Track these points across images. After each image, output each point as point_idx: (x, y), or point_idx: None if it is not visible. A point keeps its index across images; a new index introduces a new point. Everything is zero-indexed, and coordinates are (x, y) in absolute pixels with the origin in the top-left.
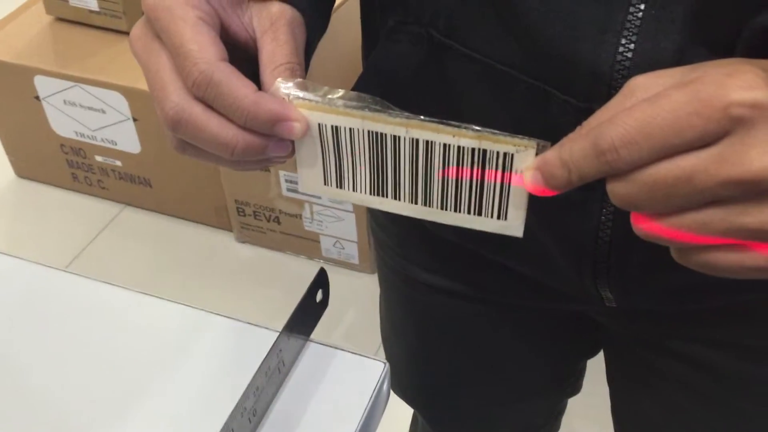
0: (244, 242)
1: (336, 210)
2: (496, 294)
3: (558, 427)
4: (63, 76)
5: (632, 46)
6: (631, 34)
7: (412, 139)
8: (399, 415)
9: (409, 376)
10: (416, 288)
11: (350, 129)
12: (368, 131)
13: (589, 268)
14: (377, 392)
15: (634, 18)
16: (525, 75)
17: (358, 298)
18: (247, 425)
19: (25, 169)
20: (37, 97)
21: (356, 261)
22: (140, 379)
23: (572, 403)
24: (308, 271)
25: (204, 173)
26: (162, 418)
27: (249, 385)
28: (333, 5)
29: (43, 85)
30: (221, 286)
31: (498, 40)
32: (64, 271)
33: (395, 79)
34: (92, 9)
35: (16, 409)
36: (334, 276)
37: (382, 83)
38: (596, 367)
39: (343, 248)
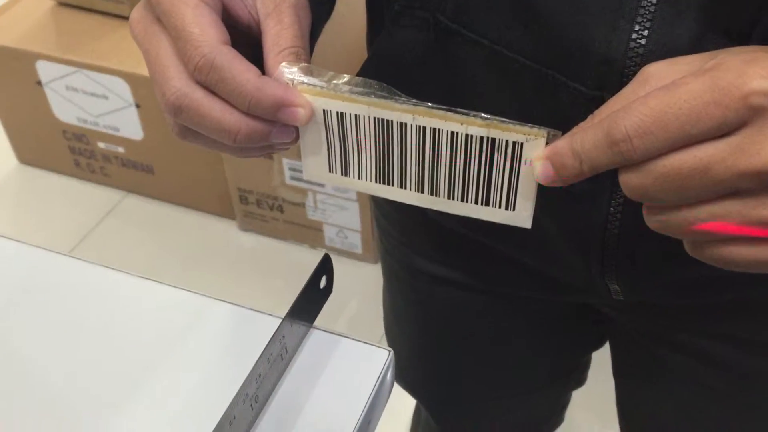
0: (246, 230)
1: (339, 199)
2: (500, 285)
3: (562, 419)
4: (65, 61)
5: (646, 32)
6: (644, 20)
7: (419, 126)
8: (401, 406)
9: (411, 366)
10: (420, 278)
11: (356, 115)
12: (374, 118)
13: (597, 261)
14: (381, 380)
15: (648, 3)
16: (534, 62)
17: (360, 287)
18: (249, 412)
19: (27, 156)
20: (39, 83)
21: (359, 250)
22: (142, 364)
23: (574, 394)
24: (311, 260)
25: (207, 160)
26: (164, 404)
27: (251, 372)
28: None
29: (45, 70)
30: (223, 274)
31: (507, 25)
32: (67, 255)
33: (400, 66)
34: None
35: (17, 393)
36: (337, 265)
37: (387, 70)
38: (597, 359)
39: (347, 237)
